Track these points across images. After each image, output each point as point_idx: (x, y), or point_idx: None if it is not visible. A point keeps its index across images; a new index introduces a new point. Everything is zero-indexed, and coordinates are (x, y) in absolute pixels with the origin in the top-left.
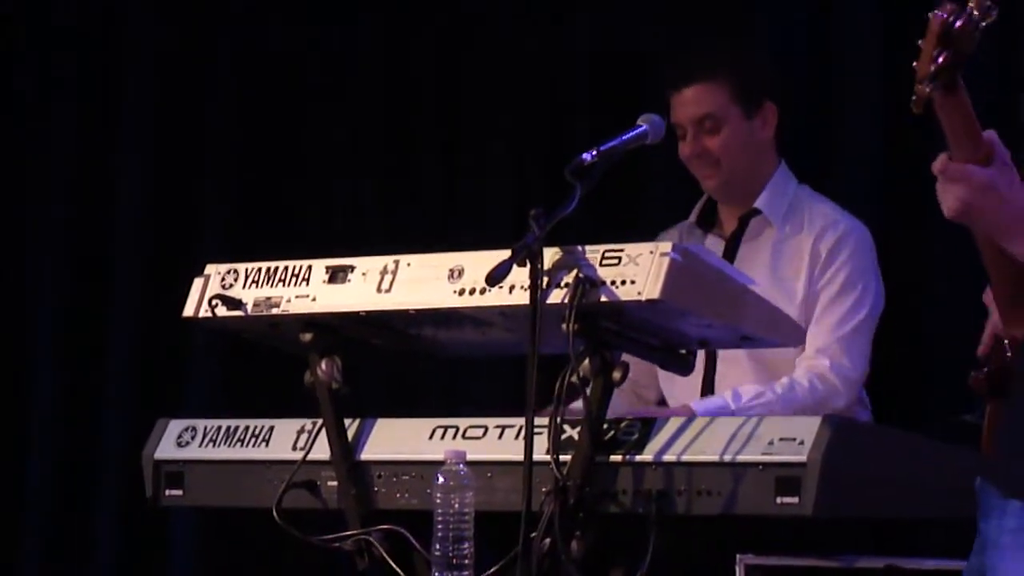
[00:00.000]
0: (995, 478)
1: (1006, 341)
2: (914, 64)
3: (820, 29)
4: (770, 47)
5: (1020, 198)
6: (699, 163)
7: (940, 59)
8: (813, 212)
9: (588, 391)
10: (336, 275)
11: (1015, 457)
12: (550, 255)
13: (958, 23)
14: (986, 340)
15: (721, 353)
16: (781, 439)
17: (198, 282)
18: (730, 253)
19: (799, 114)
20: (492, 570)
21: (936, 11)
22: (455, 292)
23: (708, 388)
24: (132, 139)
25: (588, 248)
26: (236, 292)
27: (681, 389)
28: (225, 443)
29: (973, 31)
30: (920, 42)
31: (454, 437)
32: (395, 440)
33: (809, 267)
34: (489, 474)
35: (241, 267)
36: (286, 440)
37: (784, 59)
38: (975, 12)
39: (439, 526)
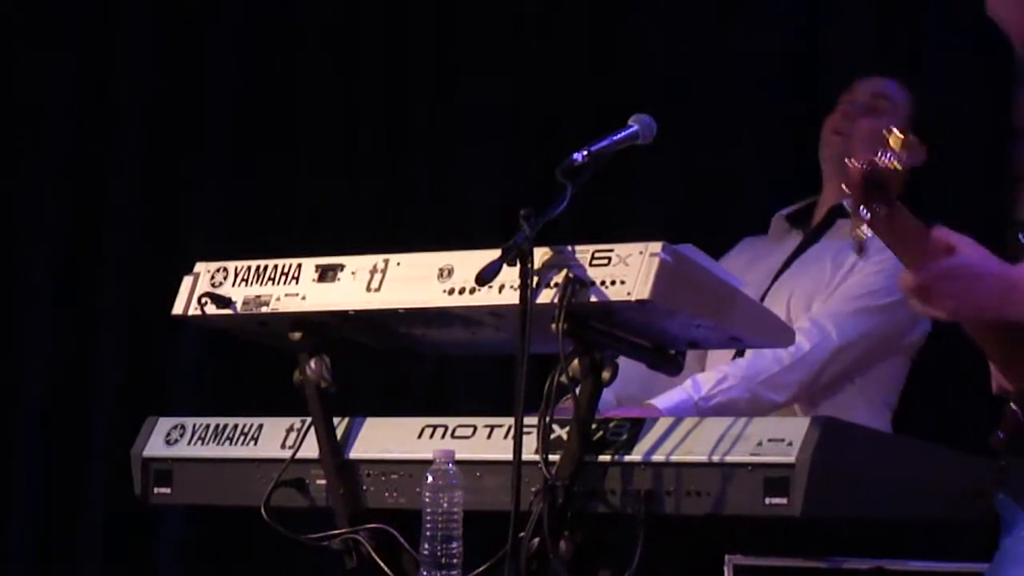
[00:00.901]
0: (1015, 491)
1: (1012, 405)
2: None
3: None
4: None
5: (1001, 266)
6: (844, 123)
7: (875, 207)
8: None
9: (577, 391)
10: (326, 274)
11: None
12: (540, 255)
13: (880, 170)
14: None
15: None
16: (770, 440)
17: (187, 280)
18: (811, 240)
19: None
20: (480, 569)
21: (853, 162)
22: (445, 291)
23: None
24: (123, 135)
25: (578, 248)
26: (225, 290)
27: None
28: (214, 441)
29: (898, 174)
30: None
31: (443, 436)
32: (384, 439)
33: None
34: (478, 473)
35: (231, 265)
36: (275, 438)
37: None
38: (900, 155)
39: (428, 525)
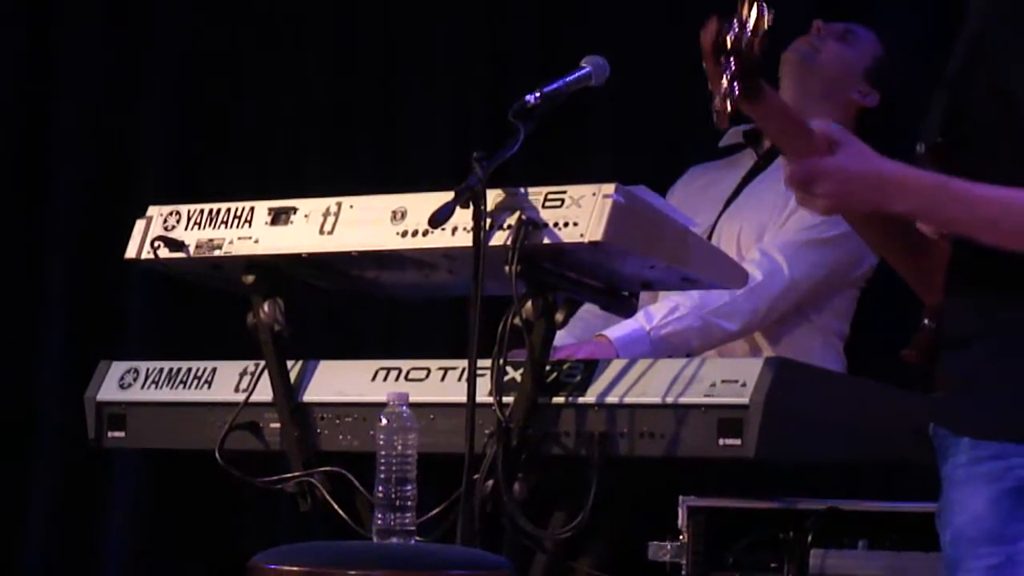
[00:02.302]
0: (946, 420)
1: (925, 320)
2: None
3: None
4: None
5: (874, 164)
6: (815, 39)
7: (727, 74)
8: None
9: (531, 333)
10: (279, 217)
11: (961, 396)
12: (493, 197)
13: (730, 36)
14: None
15: None
16: (723, 381)
17: (140, 224)
18: (762, 164)
19: None
20: (435, 512)
21: (703, 30)
22: (398, 234)
23: None
24: (72, 78)
25: (531, 190)
26: (178, 234)
27: None
28: (167, 385)
29: (752, 39)
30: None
31: (397, 379)
32: (338, 382)
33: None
34: (432, 416)
35: (183, 209)
36: (228, 382)
37: None
38: (748, 21)
39: (382, 468)
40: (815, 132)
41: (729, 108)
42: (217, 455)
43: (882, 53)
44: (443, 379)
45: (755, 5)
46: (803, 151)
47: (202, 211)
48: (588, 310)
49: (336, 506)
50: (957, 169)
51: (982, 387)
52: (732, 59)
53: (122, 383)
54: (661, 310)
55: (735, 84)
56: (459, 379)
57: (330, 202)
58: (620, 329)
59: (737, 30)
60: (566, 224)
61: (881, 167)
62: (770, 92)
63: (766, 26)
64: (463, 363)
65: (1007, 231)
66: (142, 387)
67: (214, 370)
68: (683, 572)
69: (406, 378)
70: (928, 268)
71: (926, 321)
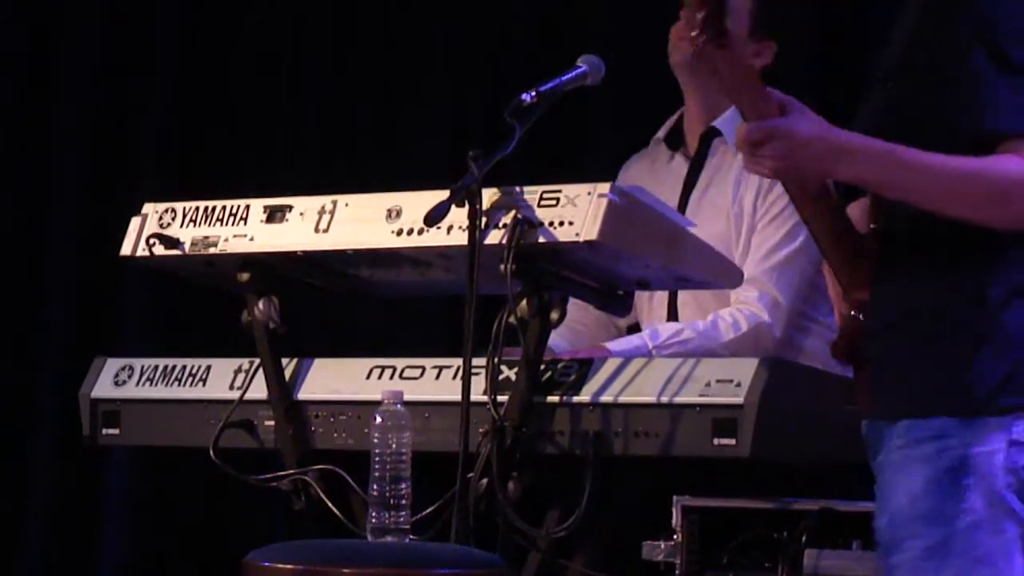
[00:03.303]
0: (880, 410)
1: (852, 312)
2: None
3: None
4: None
5: (824, 128)
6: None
7: (699, 14)
8: None
9: (526, 332)
10: (274, 214)
11: (894, 382)
12: (488, 196)
13: None
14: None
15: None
16: (718, 381)
17: (135, 221)
18: (694, 172)
19: None
20: (429, 510)
21: (543, 87)
22: (393, 232)
23: (673, 319)
24: (70, 75)
25: (526, 189)
26: (174, 231)
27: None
28: (162, 382)
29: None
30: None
31: (391, 377)
32: (332, 380)
33: (754, 196)
34: (426, 414)
35: (179, 206)
36: (223, 379)
37: None
38: None
39: (376, 466)
40: (769, 94)
41: (694, 40)
42: (211, 452)
43: (762, 6)
44: (438, 377)
45: None
46: (762, 112)
47: (197, 208)
48: (576, 319)
49: (330, 504)
50: None
51: (914, 370)
52: (704, 5)
53: (117, 380)
54: (668, 330)
55: (706, 26)
56: (454, 377)
57: (325, 200)
58: (623, 343)
59: None
60: (561, 223)
61: (830, 132)
62: (732, 45)
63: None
64: (458, 361)
65: (954, 198)
66: (137, 384)
67: (209, 367)
68: (677, 571)
69: (401, 376)
70: (857, 262)
71: (853, 312)
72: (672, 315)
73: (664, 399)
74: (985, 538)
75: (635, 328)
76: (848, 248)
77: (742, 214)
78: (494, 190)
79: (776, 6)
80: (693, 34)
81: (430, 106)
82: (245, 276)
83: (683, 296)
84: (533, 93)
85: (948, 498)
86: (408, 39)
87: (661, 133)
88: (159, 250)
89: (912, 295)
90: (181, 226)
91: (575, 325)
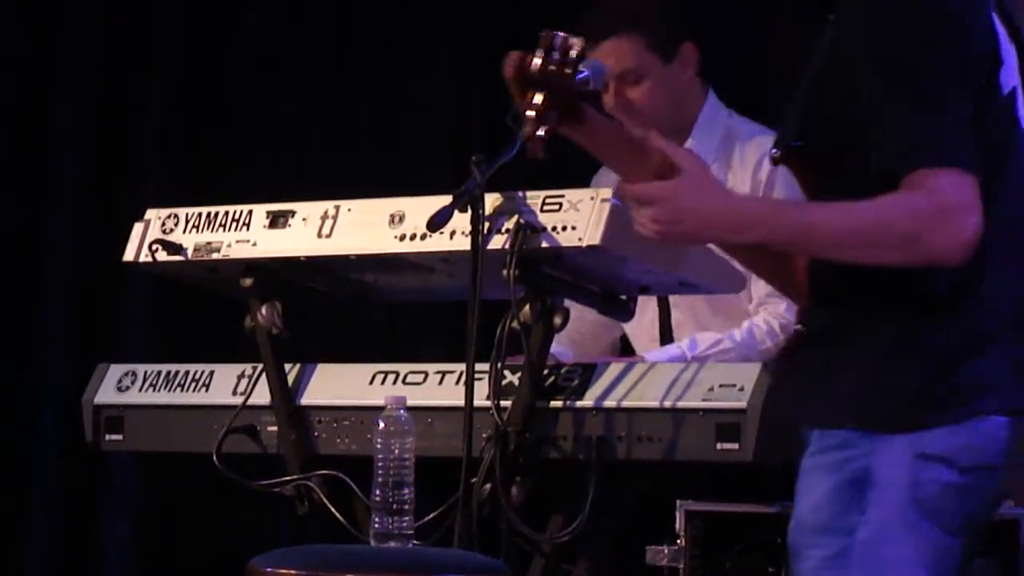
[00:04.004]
0: (801, 415)
1: (796, 324)
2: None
3: None
4: None
5: (708, 199)
6: (624, 115)
7: (537, 104)
8: (745, 144)
9: (529, 337)
10: (277, 220)
11: (808, 391)
12: (491, 201)
13: (533, 67)
14: None
15: (675, 300)
16: (721, 385)
17: (138, 227)
18: None
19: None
20: (432, 515)
21: (505, 62)
22: (396, 237)
23: (667, 337)
24: (70, 75)
25: (529, 194)
26: (176, 237)
27: (638, 340)
28: (165, 388)
29: (560, 69)
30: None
31: (394, 382)
32: (335, 385)
33: None
34: (429, 419)
35: (182, 212)
36: (226, 385)
37: None
38: (554, 52)
39: (379, 471)
40: (656, 151)
41: (543, 134)
42: (215, 458)
43: (653, 36)
44: (441, 383)
45: (565, 35)
46: (635, 172)
47: (200, 214)
48: (574, 329)
49: (334, 509)
50: (810, 172)
51: (829, 380)
52: (544, 87)
53: (120, 386)
54: (706, 341)
55: (551, 112)
56: (457, 383)
57: (328, 205)
58: (660, 353)
59: (544, 58)
60: (564, 228)
61: (731, 200)
62: (591, 114)
63: (578, 52)
64: (461, 367)
65: (869, 250)
66: (140, 390)
67: (212, 373)
68: None
69: (404, 382)
70: (796, 278)
71: (796, 324)
72: (665, 335)
73: (667, 403)
74: (886, 551)
75: (624, 339)
76: (781, 267)
77: None
78: (497, 195)
79: (668, 12)
80: (531, 130)
81: (430, 106)
82: (248, 281)
83: (676, 312)
84: None
85: (848, 509)
86: (408, 39)
87: None
88: (162, 256)
89: (833, 308)
90: (184, 232)
91: (572, 335)
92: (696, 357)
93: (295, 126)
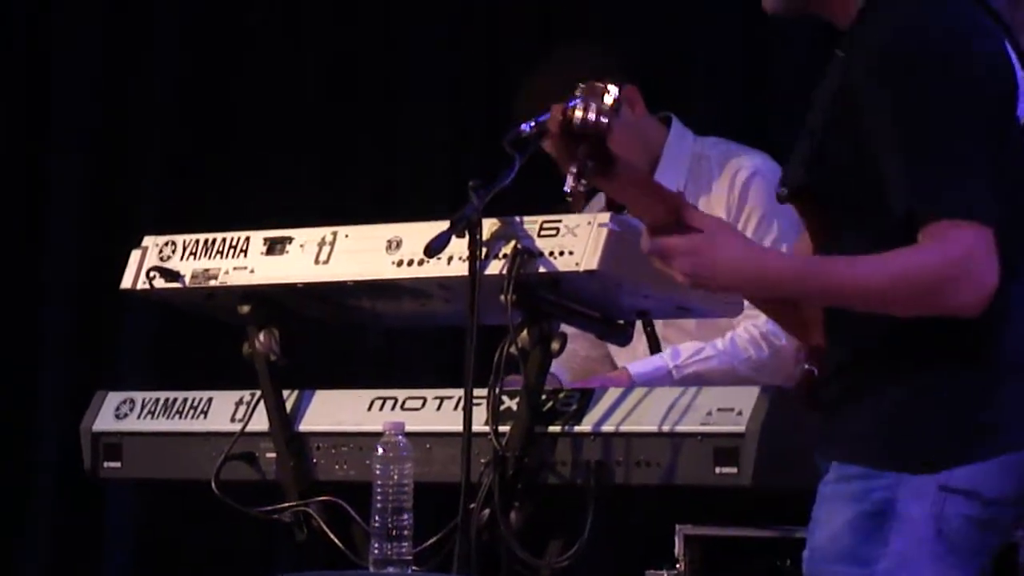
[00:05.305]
0: (818, 447)
1: (806, 364)
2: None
3: None
4: None
5: (748, 253)
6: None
7: (580, 156)
8: (716, 166)
9: (526, 362)
10: (274, 247)
11: (829, 424)
12: (488, 226)
13: (576, 115)
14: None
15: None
16: (719, 409)
17: (136, 254)
18: None
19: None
20: (431, 541)
21: (550, 118)
22: (393, 263)
23: (654, 347)
24: (69, 110)
25: (526, 219)
26: (174, 264)
27: (627, 359)
28: (163, 415)
29: (598, 119)
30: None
31: (393, 408)
32: (334, 411)
33: (732, 221)
34: (428, 445)
35: (179, 239)
36: (224, 412)
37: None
38: (593, 103)
39: (378, 497)
40: (667, 196)
41: (583, 188)
42: (213, 485)
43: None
44: (439, 408)
45: (603, 85)
46: (660, 221)
47: (197, 241)
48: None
49: (333, 536)
50: (817, 212)
51: (845, 415)
52: (581, 145)
53: (118, 413)
54: (688, 349)
55: (588, 163)
56: (455, 408)
57: (325, 231)
58: (643, 364)
59: (583, 109)
60: (561, 253)
61: (752, 254)
62: (624, 165)
63: (614, 102)
64: (459, 392)
65: (889, 303)
66: (138, 417)
67: (210, 400)
68: None
69: (402, 407)
70: (807, 317)
71: (805, 365)
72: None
73: (665, 428)
74: None
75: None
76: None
77: None
78: (494, 220)
79: (598, 64)
80: (575, 183)
81: (430, 107)
82: (246, 308)
83: (660, 324)
84: (532, 123)
85: (869, 539)
86: (407, 65)
87: (603, 202)
88: (159, 283)
89: (849, 345)
90: (181, 259)
91: (568, 356)
92: (679, 366)
93: (295, 125)
